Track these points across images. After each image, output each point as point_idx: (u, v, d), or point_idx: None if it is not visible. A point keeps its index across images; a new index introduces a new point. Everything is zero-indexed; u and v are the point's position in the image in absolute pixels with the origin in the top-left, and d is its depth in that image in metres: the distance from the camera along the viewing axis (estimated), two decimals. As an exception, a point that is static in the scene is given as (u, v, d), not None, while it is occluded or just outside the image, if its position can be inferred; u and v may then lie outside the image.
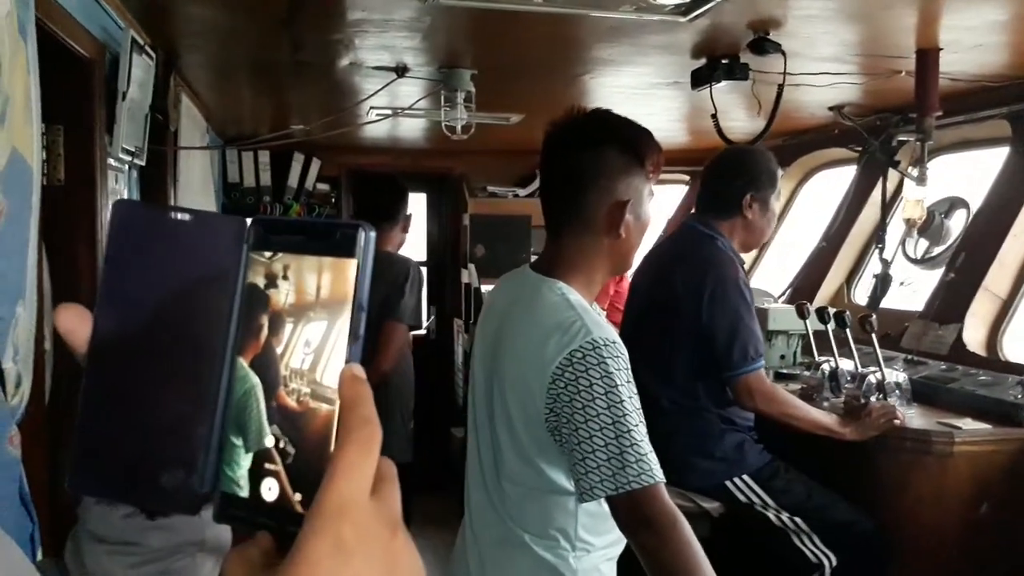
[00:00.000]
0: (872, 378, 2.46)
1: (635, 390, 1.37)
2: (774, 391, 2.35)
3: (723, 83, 2.66)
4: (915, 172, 2.94)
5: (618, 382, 1.32)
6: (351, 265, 0.44)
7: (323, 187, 5.03)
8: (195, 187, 3.43)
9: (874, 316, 2.55)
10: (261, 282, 0.45)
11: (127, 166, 2.40)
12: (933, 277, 3.26)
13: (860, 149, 3.63)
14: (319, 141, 4.37)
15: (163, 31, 2.50)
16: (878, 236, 3.51)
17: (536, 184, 4.95)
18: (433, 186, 5.48)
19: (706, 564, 1.28)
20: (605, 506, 1.36)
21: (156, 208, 0.50)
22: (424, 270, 5.40)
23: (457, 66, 2.86)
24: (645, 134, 1.47)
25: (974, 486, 2.25)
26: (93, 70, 2.03)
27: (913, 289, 3.52)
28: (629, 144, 1.45)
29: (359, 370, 0.43)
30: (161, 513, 0.55)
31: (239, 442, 0.45)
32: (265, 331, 0.45)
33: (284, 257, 0.45)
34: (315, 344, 0.44)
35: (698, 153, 4.36)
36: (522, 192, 5.08)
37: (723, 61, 2.62)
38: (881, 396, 2.44)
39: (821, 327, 2.71)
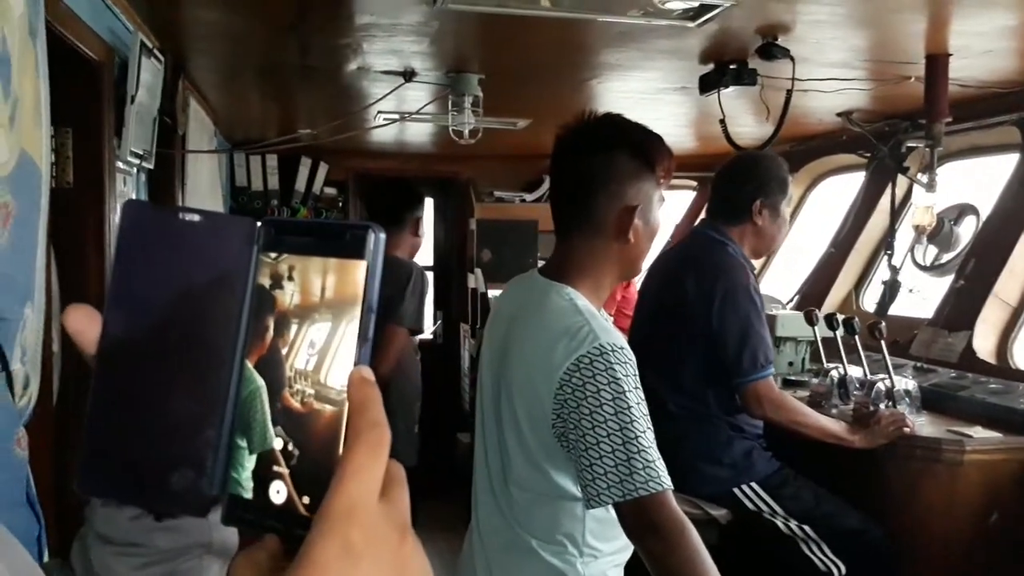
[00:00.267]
0: (881, 385, 2.45)
1: (643, 396, 1.36)
2: (783, 399, 2.34)
3: (731, 88, 2.65)
4: (924, 178, 2.93)
5: (625, 388, 1.32)
6: (360, 266, 0.44)
7: (330, 191, 5.04)
8: (203, 190, 3.44)
9: (883, 323, 2.53)
10: (267, 283, 0.45)
11: (135, 169, 2.41)
12: (942, 284, 3.24)
13: (869, 155, 3.62)
14: (326, 145, 4.39)
15: (172, 35, 2.51)
16: (887, 243, 3.50)
17: (543, 189, 4.96)
18: (440, 191, 5.49)
19: (714, 571, 1.27)
20: (613, 512, 1.35)
21: (166, 209, 0.50)
22: (430, 275, 5.44)
23: (465, 71, 2.87)
24: (656, 139, 1.47)
25: (984, 495, 2.23)
26: (102, 73, 2.03)
27: (922, 296, 3.50)
28: (640, 149, 1.44)
29: (368, 372, 0.43)
30: (169, 515, 0.55)
31: (243, 443, 0.45)
32: (271, 332, 0.45)
33: (290, 258, 0.45)
34: (321, 345, 0.44)
35: (706, 159, 4.35)
36: (529, 197, 5.08)
37: (731, 66, 2.62)
38: (890, 404, 2.42)
39: (829, 334, 2.69)
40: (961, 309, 2.94)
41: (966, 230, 3.33)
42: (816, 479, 2.38)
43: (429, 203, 5.53)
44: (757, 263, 3.84)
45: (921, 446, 2.27)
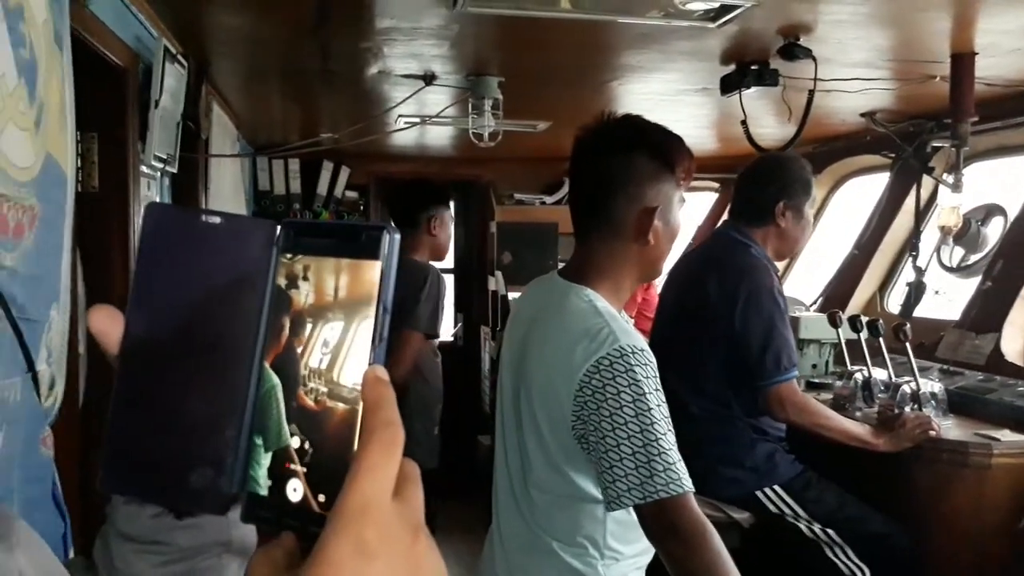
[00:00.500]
0: (906, 388, 2.42)
1: (663, 398, 1.35)
2: (806, 401, 2.31)
3: (753, 89, 2.64)
4: (950, 179, 2.89)
5: (646, 390, 1.31)
6: (375, 267, 0.44)
7: (352, 195, 5.07)
8: (226, 194, 3.48)
9: (908, 325, 2.50)
10: (283, 282, 0.46)
11: (159, 173, 2.44)
12: (969, 286, 3.20)
13: (893, 156, 3.58)
14: (348, 149, 4.42)
15: (195, 41, 2.54)
16: (912, 244, 3.46)
17: (563, 192, 4.95)
18: (460, 193, 5.50)
19: (735, 574, 1.26)
20: (634, 514, 1.34)
21: (188, 211, 0.51)
22: (451, 277, 5.45)
23: (485, 74, 2.87)
24: (676, 140, 1.46)
25: (1013, 499, 2.19)
26: (127, 79, 2.06)
27: (948, 298, 3.46)
28: (659, 150, 1.44)
29: (383, 372, 0.43)
30: (189, 513, 0.55)
31: (259, 441, 0.45)
32: (286, 331, 0.45)
33: (306, 258, 0.45)
34: (335, 344, 0.44)
35: (728, 160, 4.33)
36: (549, 199, 5.08)
37: (753, 67, 2.60)
38: (916, 406, 2.39)
39: (853, 336, 2.67)
40: (988, 311, 2.90)
41: (993, 231, 3.28)
42: (840, 482, 2.35)
43: (450, 206, 5.56)
44: (780, 265, 3.83)
45: (948, 449, 2.23)
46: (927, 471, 2.27)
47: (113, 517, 0.56)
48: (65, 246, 1.20)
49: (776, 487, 2.32)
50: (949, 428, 2.34)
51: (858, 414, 2.49)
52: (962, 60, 2.52)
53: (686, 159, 1.45)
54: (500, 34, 2.47)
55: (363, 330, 0.44)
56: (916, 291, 3.36)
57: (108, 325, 0.48)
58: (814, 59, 2.41)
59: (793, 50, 2.38)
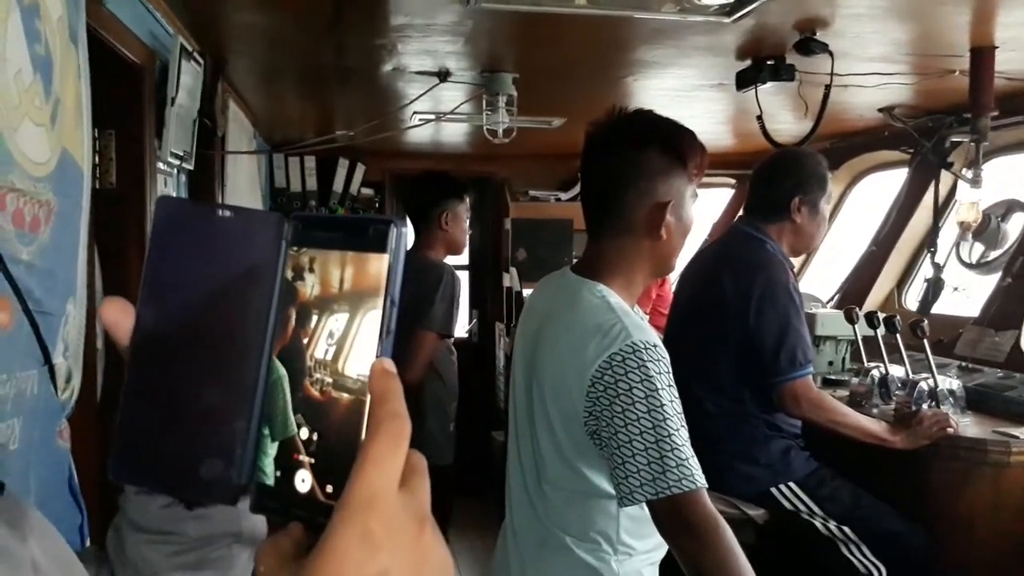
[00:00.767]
0: (924, 385, 2.40)
1: (676, 394, 1.35)
2: (821, 398, 2.30)
3: (769, 84, 2.62)
4: (969, 174, 2.86)
5: (659, 386, 1.31)
6: (383, 260, 0.44)
7: (367, 192, 5.09)
8: (242, 191, 3.50)
9: (926, 321, 2.48)
10: (289, 274, 0.46)
11: (176, 170, 2.45)
12: (988, 282, 3.16)
13: (911, 151, 3.55)
14: (363, 146, 4.43)
15: (211, 38, 2.55)
16: (930, 240, 3.42)
17: (578, 188, 4.94)
18: (475, 190, 5.50)
19: (748, 570, 1.26)
20: (647, 510, 1.34)
21: (198, 205, 0.51)
22: (465, 274, 5.45)
23: (499, 70, 2.87)
24: (687, 134, 1.45)
25: (1032, 497, 2.17)
26: (143, 76, 2.08)
27: (967, 295, 3.42)
28: (671, 144, 1.43)
29: (390, 364, 0.43)
30: (199, 503, 0.56)
31: (266, 431, 0.46)
32: (292, 323, 0.46)
33: (313, 251, 0.46)
34: (342, 336, 0.45)
35: (744, 156, 4.30)
36: (564, 196, 5.07)
37: (769, 62, 2.58)
38: (933, 404, 2.37)
39: (870, 332, 2.65)
40: (1008, 308, 2.87)
41: (1014, 227, 3.24)
42: (856, 480, 2.34)
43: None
44: (796, 261, 3.80)
45: (965, 447, 2.21)
46: (944, 469, 2.25)
47: (125, 508, 0.57)
48: (82, 241, 1.21)
49: (791, 484, 2.31)
50: (967, 426, 2.32)
51: (875, 411, 2.48)
52: (982, 54, 2.49)
53: (698, 153, 1.45)
54: (514, 30, 2.46)
55: (370, 322, 0.44)
56: (934, 287, 3.33)
57: (120, 317, 0.49)
58: (831, 54, 2.39)
59: (809, 45, 2.36)
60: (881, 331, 2.59)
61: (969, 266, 3.40)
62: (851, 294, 3.75)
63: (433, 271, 2.86)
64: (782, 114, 3.29)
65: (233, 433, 0.46)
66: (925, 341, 2.41)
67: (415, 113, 3.48)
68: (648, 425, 1.28)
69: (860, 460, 2.35)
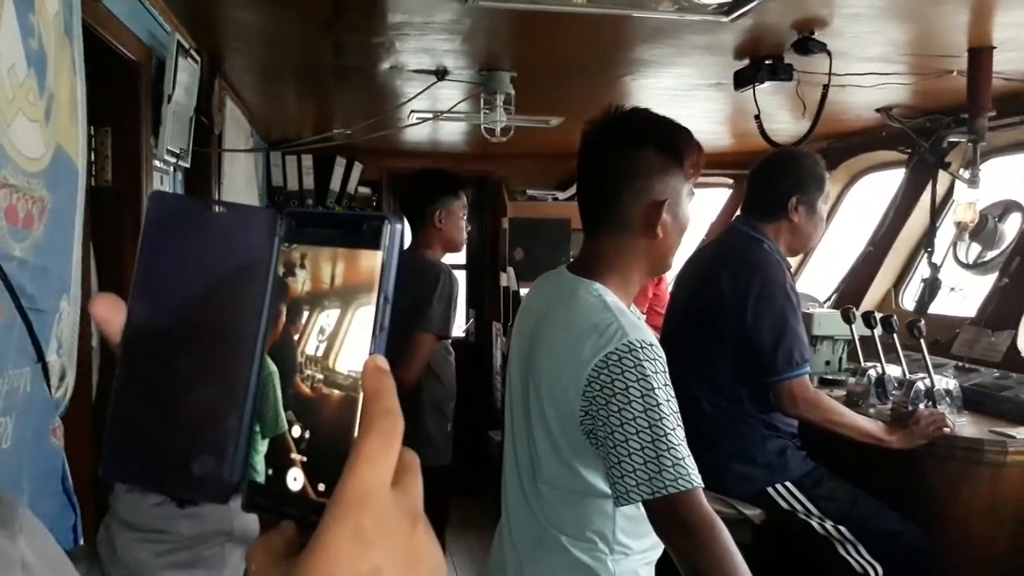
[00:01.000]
0: (920, 385, 2.40)
1: (672, 393, 1.35)
2: (818, 398, 2.30)
3: (766, 84, 2.62)
4: (967, 174, 2.86)
5: (655, 385, 1.31)
6: (376, 257, 0.44)
7: (365, 190, 5.08)
8: (239, 189, 3.49)
9: (922, 321, 2.48)
10: (281, 270, 0.46)
11: (172, 168, 2.45)
12: (985, 282, 3.17)
13: (909, 151, 3.55)
14: (361, 145, 4.42)
15: (209, 35, 2.54)
16: (927, 240, 3.43)
17: (576, 187, 4.94)
18: (473, 189, 5.50)
19: (744, 570, 1.26)
20: (643, 509, 1.34)
21: (190, 200, 0.51)
22: (463, 273, 5.45)
23: (497, 68, 2.87)
24: (683, 132, 1.45)
25: (1028, 497, 2.17)
26: (140, 73, 2.07)
27: (964, 295, 3.43)
28: (667, 143, 1.43)
29: (383, 361, 0.43)
30: (191, 502, 0.55)
31: (256, 428, 0.45)
32: (283, 319, 0.45)
33: (306, 247, 0.45)
34: (333, 332, 0.44)
35: (742, 156, 4.30)
36: (561, 195, 5.07)
37: (767, 62, 2.58)
38: (930, 403, 2.37)
39: (867, 332, 2.65)
40: (1005, 308, 2.87)
41: (1011, 227, 3.25)
42: (852, 479, 2.34)
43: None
44: (794, 261, 3.80)
45: (962, 447, 2.21)
46: (941, 468, 2.25)
47: (116, 506, 0.56)
48: (76, 238, 1.21)
49: (788, 483, 2.31)
50: (964, 425, 2.32)
51: (871, 411, 2.48)
52: (979, 54, 2.49)
53: (694, 152, 1.45)
54: (512, 29, 2.46)
55: (363, 319, 0.44)
56: (931, 287, 3.33)
57: (111, 313, 0.49)
58: (829, 53, 2.39)
59: (808, 44, 2.36)
60: (878, 331, 2.59)
61: (966, 266, 3.40)
62: (848, 294, 3.76)
63: (431, 271, 2.83)
64: (780, 114, 3.29)
65: (225, 430, 0.46)
66: (922, 341, 2.41)
67: (413, 112, 3.48)
68: (644, 424, 1.28)
69: (857, 460, 2.35)
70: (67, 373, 1.19)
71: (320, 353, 0.44)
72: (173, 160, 2.36)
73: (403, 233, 0.46)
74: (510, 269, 4.72)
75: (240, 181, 3.54)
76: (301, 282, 0.45)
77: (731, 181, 5.05)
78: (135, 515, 0.56)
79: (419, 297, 2.74)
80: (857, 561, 2.23)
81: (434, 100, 3.27)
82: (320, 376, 0.44)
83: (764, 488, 2.31)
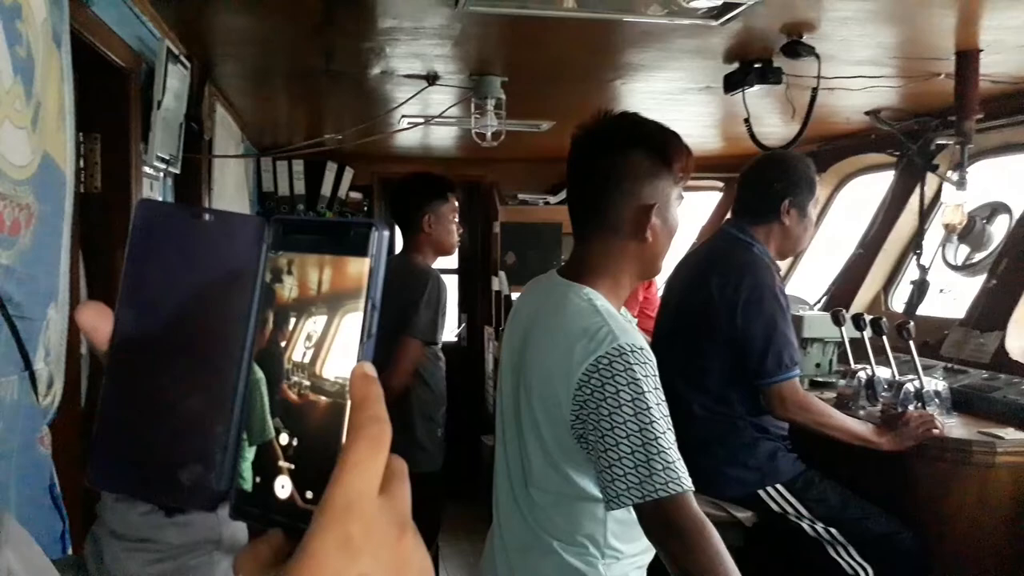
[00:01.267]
0: (910, 386, 2.41)
1: (663, 397, 1.35)
2: (808, 400, 2.31)
3: (756, 87, 2.63)
4: (955, 176, 2.88)
5: (645, 389, 1.31)
6: (364, 263, 0.44)
7: (356, 195, 5.08)
8: (229, 195, 3.48)
9: (911, 323, 2.49)
10: (268, 277, 0.46)
11: (162, 174, 2.44)
12: (974, 284, 3.18)
13: (898, 154, 3.57)
14: (352, 150, 4.42)
15: (198, 41, 2.54)
16: (916, 242, 3.44)
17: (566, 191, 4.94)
18: (464, 193, 5.50)
19: (735, 573, 1.26)
20: (635, 513, 1.34)
21: (177, 208, 0.51)
22: (455, 278, 5.44)
23: (488, 73, 2.87)
24: (672, 136, 1.46)
25: (1017, 497, 2.18)
26: (129, 80, 2.06)
27: (953, 297, 3.44)
28: (656, 147, 1.43)
29: (370, 368, 0.43)
30: (179, 510, 0.55)
31: (243, 435, 0.45)
32: (270, 325, 0.45)
33: (293, 254, 0.45)
34: (320, 339, 0.44)
35: (732, 159, 4.32)
36: (553, 200, 5.08)
37: (756, 65, 2.59)
38: (919, 405, 2.38)
39: (857, 334, 2.66)
40: (993, 309, 2.89)
41: (998, 229, 3.27)
42: (843, 481, 2.35)
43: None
44: (784, 264, 3.82)
45: (951, 448, 2.22)
46: (930, 469, 2.26)
47: (103, 515, 0.56)
48: (64, 246, 1.20)
49: (779, 486, 2.31)
50: (953, 426, 2.33)
51: (862, 413, 2.49)
52: (967, 57, 2.51)
53: (683, 156, 1.45)
54: (503, 33, 2.46)
55: (350, 325, 0.44)
56: (920, 289, 3.35)
57: (98, 321, 0.48)
58: (817, 57, 2.41)
59: (796, 48, 2.37)
60: (868, 333, 2.60)
61: (955, 268, 3.42)
62: (839, 296, 3.77)
63: (419, 277, 2.81)
64: (769, 117, 3.31)
65: (213, 438, 0.46)
66: (911, 343, 2.42)
67: (404, 116, 3.48)
68: (635, 428, 1.28)
69: (847, 462, 2.36)
70: (55, 381, 1.19)
71: (307, 360, 0.44)
72: (163, 166, 2.35)
73: (391, 240, 0.46)
74: (502, 273, 4.72)
75: (230, 187, 3.53)
76: (288, 288, 0.45)
77: (721, 184, 5.07)
78: (123, 524, 0.55)
79: (406, 302, 2.73)
80: (848, 563, 2.24)
81: (425, 105, 3.27)
82: (307, 383, 0.44)
83: (755, 491, 2.32)
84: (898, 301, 3.66)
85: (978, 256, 3.31)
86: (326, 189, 4.98)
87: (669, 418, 1.34)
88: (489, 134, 3.03)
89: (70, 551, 1.22)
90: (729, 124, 3.69)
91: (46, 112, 1.08)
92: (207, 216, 0.49)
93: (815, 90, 2.59)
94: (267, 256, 0.46)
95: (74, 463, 1.45)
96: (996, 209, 3.30)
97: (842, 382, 2.73)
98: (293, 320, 0.45)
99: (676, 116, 3.38)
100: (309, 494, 0.43)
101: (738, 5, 2.03)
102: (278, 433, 0.44)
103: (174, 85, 2.27)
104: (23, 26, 1.00)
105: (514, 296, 4.20)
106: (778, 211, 2.42)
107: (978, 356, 2.81)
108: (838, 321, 2.74)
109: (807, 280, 4.39)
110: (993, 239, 3.27)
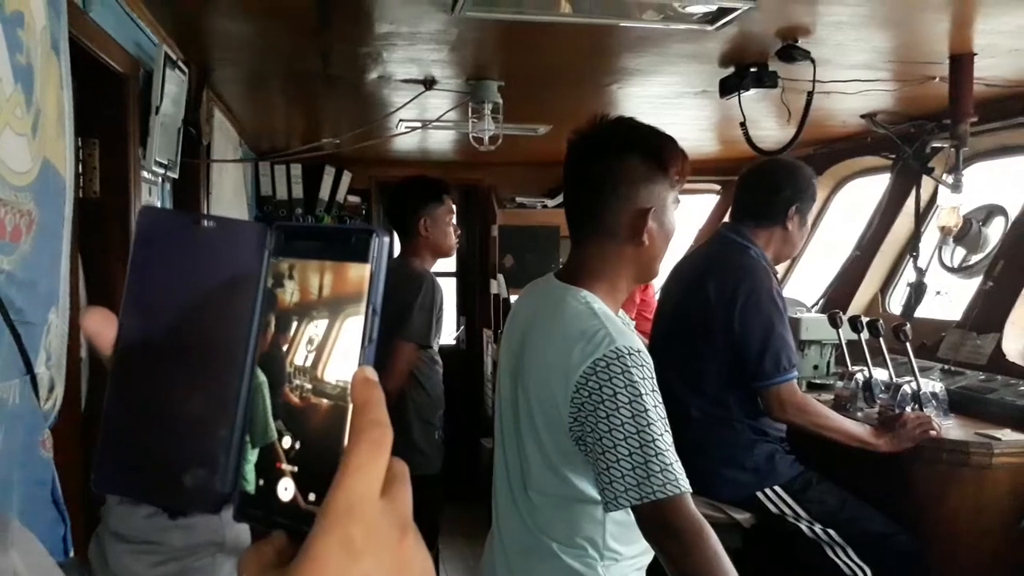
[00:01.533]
0: (907, 388, 2.42)
1: (660, 399, 1.36)
2: (806, 402, 2.32)
3: (752, 91, 2.64)
4: (950, 179, 2.89)
5: (643, 391, 1.31)
6: (364, 269, 0.45)
7: (354, 199, 5.09)
8: (228, 200, 3.49)
9: (908, 325, 2.50)
10: (269, 282, 0.46)
11: (160, 179, 2.44)
12: (970, 286, 3.19)
13: (893, 157, 3.58)
14: (350, 154, 4.42)
15: (196, 46, 2.54)
16: (912, 244, 3.46)
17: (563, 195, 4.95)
18: (462, 197, 5.51)
19: (733, 574, 1.26)
20: (633, 515, 1.34)
21: (180, 214, 0.52)
22: (453, 281, 5.45)
23: (484, 78, 2.88)
24: (668, 140, 1.46)
25: (1014, 499, 2.19)
26: (127, 85, 2.07)
27: (949, 299, 3.45)
28: (651, 151, 1.44)
29: (372, 373, 0.44)
30: (182, 513, 0.56)
31: (247, 438, 0.46)
32: (272, 329, 0.46)
33: (293, 259, 0.46)
34: (322, 343, 0.45)
35: (728, 162, 4.33)
36: (550, 203, 5.09)
37: (752, 69, 2.60)
38: (916, 406, 2.39)
39: (854, 336, 2.67)
40: (990, 311, 2.90)
41: (994, 231, 3.28)
42: (840, 483, 2.35)
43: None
44: (781, 268, 3.82)
45: (948, 449, 2.23)
46: (928, 471, 2.27)
47: (107, 517, 0.57)
48: (64, 251, 1.21)
49: (777, 488, 2.32)
50: (950, 428, 2.34)
51: (859, 415, 2.49)
52: (961, 61, 2.52)
53: (679, 159, 1.46)
54: (499, 38, 2.47)
55: (351, 330, 0.45)
56: (917, 292, 3.36)
57: (102, 327, 0.49)
58: (813, 61, 2.42)
59: (792, 52, 2.39)
60: (865, 335, 2.61)
61: (951, 270, 3.43)
62: (836, 299, 3.78)
63: (415, 280, 2.80)
64: (765, 121, 3.32)
65: (217, 441, 0.47)
66: (908, 345, 2.43)
67: (401, 121, 3.49)
68: (632, 430, 1.29)
69: (845, 463, 2.37)
70: (56, 385, 1.19)
71: (309, 363, 0.45)
72: (161, 171, 2.36)
73: (391, 245, 0.47)
74: (500, 276, 4.73)
75: (229, 191, 3.54)
76: (290, 293, 0.46)
77: (718, 187, 5.08)
78: (126, 527, 0.56)
79: (401, 306, 2.73)
80: (846, 564, 2.24)
81: (422, 109, 3.28)
82: (309, 386, 0.45)
83: (753, 492, 2.33)
84: (895, 303, 3.67)
85: (974, 258, 3.32)
86: (324, 193, 4.99)
87: (667, 420, 1.35)
88: (486, 138, 3.03)
89: (72, 553, 1.23)
90: (725, 128, 3.70)
91: (46, 119, 1.09)
92: (209, 223, 0.49)
93: (811, 94, 2.60)
94: (269, 261, 0.47)
95: (75, 466, 1.46)
96: (992, 211, 3.31)
97: (839, 384, 2.73)
98: (295, 324, 0.45)
99: (672, 120, 3.39)
100: (312, 496, 0.44)
101: (733, 10, 2.04)
102: (281, 436, 0.45)
103: (172, 90, 2.28)
104: (24, 34, 1.00)
105: (512, 299, 4.21)
106: (784, 217, 2.44)
107: (975, 358, 2.82)
108: (835, 323, 2.75)
109: (804, 283, 4.40)
110: (989, 241, 3.28)
